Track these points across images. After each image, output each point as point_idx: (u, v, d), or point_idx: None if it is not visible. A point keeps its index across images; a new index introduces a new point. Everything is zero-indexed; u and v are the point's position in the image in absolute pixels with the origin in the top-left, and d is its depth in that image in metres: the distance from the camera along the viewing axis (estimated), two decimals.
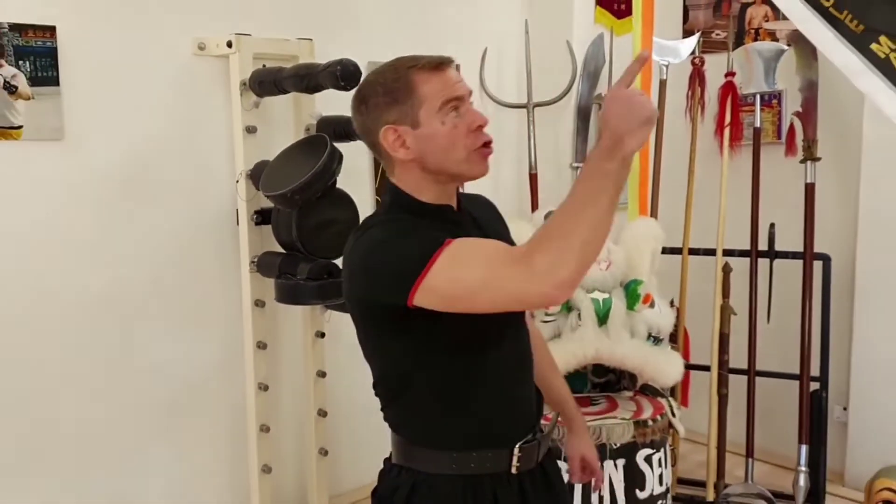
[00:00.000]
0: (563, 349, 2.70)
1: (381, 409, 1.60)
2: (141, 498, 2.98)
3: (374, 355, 1.56)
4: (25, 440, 2.73)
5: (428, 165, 1.49)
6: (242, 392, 3.10)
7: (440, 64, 1.47)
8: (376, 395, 1.60)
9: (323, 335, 3.23)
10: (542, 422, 1.65)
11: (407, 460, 1.55)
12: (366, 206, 3.28)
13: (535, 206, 3.79)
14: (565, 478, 1.84)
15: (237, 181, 3.00)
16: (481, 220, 1.63)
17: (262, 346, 3.07)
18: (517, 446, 1.52)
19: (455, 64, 1.52)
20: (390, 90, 1.47)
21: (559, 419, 1.81)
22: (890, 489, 3.02)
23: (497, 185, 4.00)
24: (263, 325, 3.08)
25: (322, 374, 3.23)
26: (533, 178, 3.89)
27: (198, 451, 3.10)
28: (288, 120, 3.14)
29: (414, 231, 1.44)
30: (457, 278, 1.34)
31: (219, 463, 3.15)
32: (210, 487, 3.14)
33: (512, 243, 1.62)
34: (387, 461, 1.62)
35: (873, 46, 2.67)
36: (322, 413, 3.24)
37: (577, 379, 2.95)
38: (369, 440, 3.34)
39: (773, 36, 3.76)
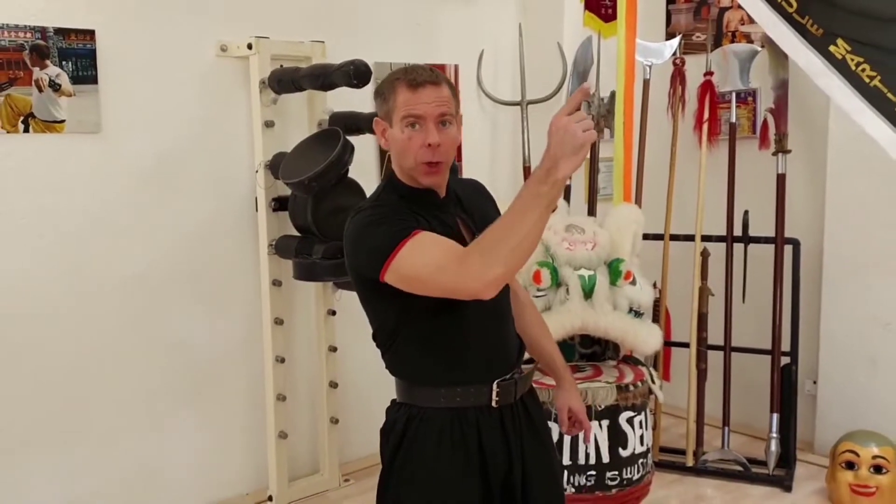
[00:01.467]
0: (553, 320, 2.97)
1: (382, 357, 1.87)
2: (169, 461, 3.27)
3: (368, 314, 1.84)
4: (66, 409, 3.02)
5: (395, 161, 1.77)
6: (261, 364, 3.39)
7: (418, 84, 1.69)
8: (376, 345, 1.87)
9: (334, 313, 3.51)
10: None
11: (404, 397, 1.84)
12: None
13: None
14: (555, 432, 2.09)
15: (257, 171, 3.29)
16: (468, 202, 1.88)
17: (279, 322, 3.35)
18: (495, 382, 1.79)
19: (443, 83, 1.71)
20: (383, 91, 1.75)
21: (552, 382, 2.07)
22: (851, 451, 3.30)
23: (494, 176, 4.28)
24: (280, 304, 3.37)
25: (333, 349, 3.52)
26: (527, 171, 4.15)
27: (220, 417, 3.38)
28: (302, 115, 3.43)
29: (391, 218, 1.68)
30: (413, 266, 1.61)
31: (239, 428, 3.44)
32: (231, 451, 3.43)
33: None
34: (392, 400, 1.90)
35: (832, 48, 2.95)
36: (333, 384, 3.53)
37: (565, 349, 3.20)
38: (377, 410, 3.59)
39: (748, 38, 4.04)
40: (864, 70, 2.89)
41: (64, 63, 2.91)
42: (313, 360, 3.55)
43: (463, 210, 1.84)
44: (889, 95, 2.83)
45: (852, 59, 2.91)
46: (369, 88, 3.47)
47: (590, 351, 3.29)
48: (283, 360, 3.36)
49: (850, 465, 3.29)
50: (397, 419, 1.83)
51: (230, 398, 3.41)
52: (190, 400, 3.30)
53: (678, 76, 3.93)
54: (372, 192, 1.88)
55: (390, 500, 1.83)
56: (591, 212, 4.07)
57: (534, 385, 1.97)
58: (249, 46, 3.21)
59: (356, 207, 1.78)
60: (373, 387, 3.67)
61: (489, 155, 4.28)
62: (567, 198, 4.06)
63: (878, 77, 2.86)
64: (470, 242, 1.71)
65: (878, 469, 3.25)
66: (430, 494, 1.77)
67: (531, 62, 4.12)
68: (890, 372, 3.58)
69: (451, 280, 1.58)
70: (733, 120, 3.80)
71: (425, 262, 1.61)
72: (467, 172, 4.11)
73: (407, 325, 1.77)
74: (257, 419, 3.42)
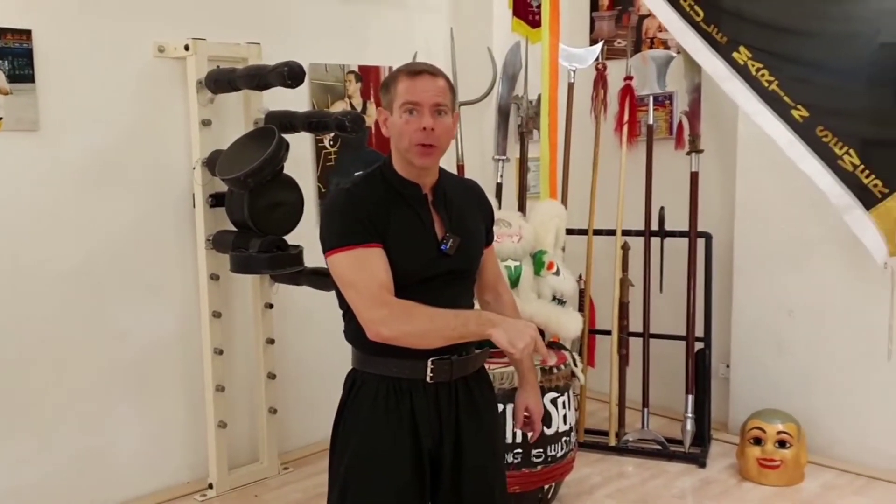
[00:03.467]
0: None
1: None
2: (109, 452, 3.34)
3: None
4: (7, 400, 3.07)
5: (393, 145, 1.92)
6: (200, 356, 3.48)
7: (416, 73, 1.86)
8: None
9: (271, 306, 3.62)
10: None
11: (353, 363, 2.01)
12: (310, 191, 3.69)
13: None
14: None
15: (194, 168, 3.38)
16: (453, 200, 1.98)
17: (217, 315, 3.45)
18: (430, 360, 1.93)
19: (441, 76, 1.87)
20: (387, 82, 1.92)
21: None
22: (758, 427, 3.56)
23: None
24: (218, 297, 3.47)
25: (271, 341, 3.63)
26: (460, 169, 4.31)
27: (161, 408, 3.46)
28: (239, 114, 3.52)
29: (356, 216, 1.84)
30: (341, 272, 1.85)
31: (179, 419, 3.52)
32: (172, 440, 3.51)
33: (485, 227, 2.09)
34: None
35: (735, 55, 3.22)
36: (271, 376, 3.64)
37: None
38: (314, 401, 3.77)
39: (665, 44, 4.27)
40: (763, 75, 3.15)
41: (0, 62, 2.96)
42: (251, 351, 3.65)
43: (445, 207, 1.97)
44: (785, 98, 3.10)
45: (753, 65, 3.17)
46: (304, 88, 3.62)
47: None
48: (221, 352, 3.46)
49: (758, 441, 3.55)
50: (346, 383, 2.01)
51: (170, 389, 3.49)
52: (130, 391, 3.38)
53: (600, 80, 4.15)
54: (314, 193, 2.00)
55: (336, 456, 2.00)
56: (521, 209, 4.26)
57: (486, 367, 2.11)
58: (186, 48, 3.30)
59: (345, 181, 1.95)
60: (310, 378, 3.83)
61: None
62: (499, 196, 4.24)
63: (776, 81, 3.13)
64: (443, 239, 1.92)
65: (782, 444, 3.51)
66: (365, 449, 1.94)
67: (463, 65, 4.26)
68: (793, 356, 3.86)
69: (358, 306, 1.84)
70: (651, 122, 4.03)
71: (351, 278, 1.84)
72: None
73: None
74: (197, 409, 3.52)
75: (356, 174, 1.99)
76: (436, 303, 1.88)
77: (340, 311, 2.00)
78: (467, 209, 2.04)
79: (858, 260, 3.44)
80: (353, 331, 1.94)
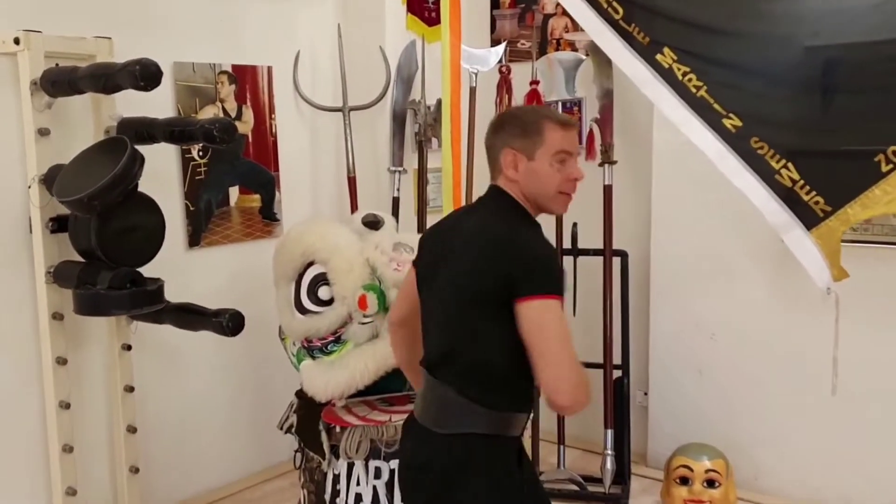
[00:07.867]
0: (382, 349, 2.76)
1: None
2: None
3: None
4: None
5: (524, 189, 1.89)
6: (42, 411, 2.92)
7: (567, 124, 1.90)
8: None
9: (130, 347, 3.09)
10: None
11: (515, 430, 1.90)
12: (174, 210, 3.20)
13: (354, 209, 3.80)
14: None
15: (29, 187, 2.82)
16: None
17: (61, 361, 2.89)
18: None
19: (577, 127, 1.95)
20: (524, 124, 1.88)
21: None
22: (685, 466, 3.28)
23: (316, 188, 3.99)
24: (63, 340, 2.91)
25: (130, 389, 3.09)
26: (351, 182, 3.90)
27: None
28: (86, 122, 2.99)
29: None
30: (561, 324, 1.75)
31: (20, 488, 2.95)
32: None
33: None
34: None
35: (658, 57, 2.89)
36: (131, 429, 3.10)
37: (396, 379, 2.99)
38: (182, 455, 3.26)
39: (573, 46, 3.98)
40: (690, 80, 2.84)
41: None
42: (106, 402, 3.13)
43: None
44: (715, 106, 2.80)
45: (679, 69, 2.86)
46: (168, 92, 3.13)
47: None
48: (68, 406, 2.90)
49: (685, 481, 3.26)
50: (507, 452, 1.89)
51: (7, 452, 2.92)
52: None
53: (504, 84, 3.88)
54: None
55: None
56: (422, 224, 3.88)
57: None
58: (17, 41, 2.75)
59: (506, 222, 1.84)
60: (177, 430, 3.31)
61: (310, 164, 3.98)
62: (395, 213, 3.84)
63: (705, 87, 2.83)
64: None
65: (710, 483, 3.23)
66: None
67: (352, 66, 3.89)
68: (715, 382, 3.62)
69: (563, 361, 1.78)
70: None
71: (565, 331, 1.76)
72: (286, 183, 3.81)
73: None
74: (41, 475, 2.95)
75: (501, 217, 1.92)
76: None
77: (483, 358, 1.83)
78: None
79: (785, 279, 3.24)
80: (526, 388, 1.86)
